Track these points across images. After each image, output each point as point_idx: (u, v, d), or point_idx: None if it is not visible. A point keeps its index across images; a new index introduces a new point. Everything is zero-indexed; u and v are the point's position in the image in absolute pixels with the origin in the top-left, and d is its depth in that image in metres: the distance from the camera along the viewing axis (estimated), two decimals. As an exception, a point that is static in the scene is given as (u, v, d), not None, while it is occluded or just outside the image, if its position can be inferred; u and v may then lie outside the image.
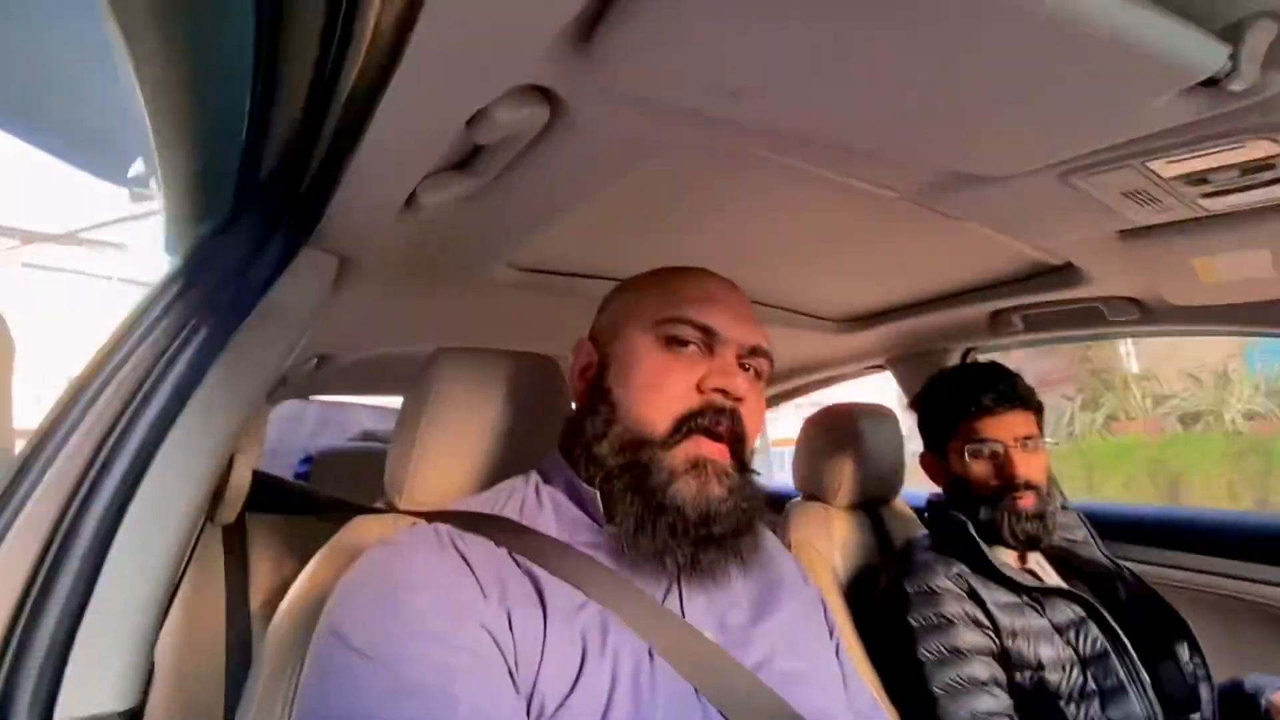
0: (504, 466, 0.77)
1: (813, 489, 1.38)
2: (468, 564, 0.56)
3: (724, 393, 0.62)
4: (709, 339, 0.65)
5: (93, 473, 0.55)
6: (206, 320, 0.64)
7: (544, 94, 0.52)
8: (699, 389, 0.62)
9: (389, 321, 1.29)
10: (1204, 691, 1.00)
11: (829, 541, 1.30)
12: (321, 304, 0.77)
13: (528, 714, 0.50)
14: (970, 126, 0.54)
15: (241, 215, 0.66)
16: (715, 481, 0.61)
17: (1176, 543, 1.44)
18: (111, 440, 0.57)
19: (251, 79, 0.44)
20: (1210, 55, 0.45)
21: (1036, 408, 1.11)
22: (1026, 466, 1.06)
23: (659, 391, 0.62)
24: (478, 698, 0.47)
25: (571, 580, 0.57)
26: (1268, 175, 0.65)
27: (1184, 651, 1.03)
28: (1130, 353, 6.55)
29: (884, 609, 1.10)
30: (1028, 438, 1.08)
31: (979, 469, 1.09)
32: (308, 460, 1.98)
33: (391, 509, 0.75)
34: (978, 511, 1.07)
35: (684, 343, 0.64)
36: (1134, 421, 6.01)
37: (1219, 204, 0.73)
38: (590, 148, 0.62)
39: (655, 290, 0.69)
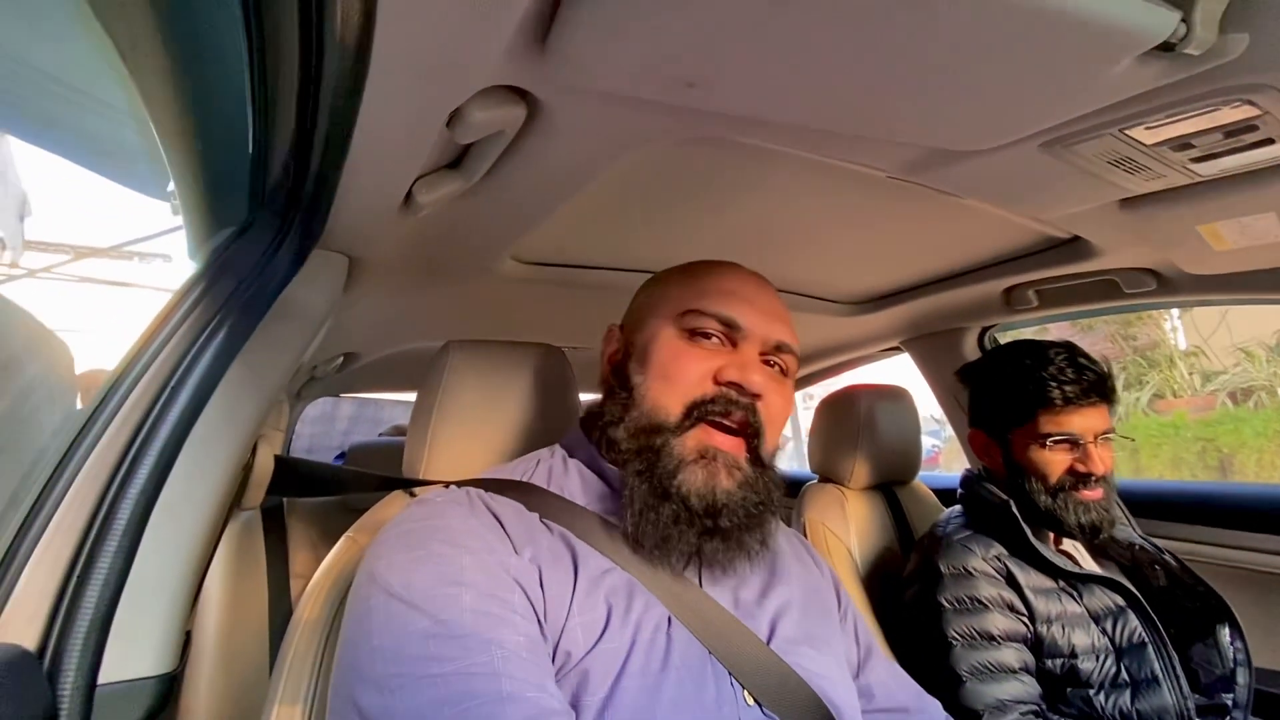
0: (513, 454, 0.80)
1: (827, 471, 1.38)
2: (499, 522, 0.59)
3: (739, 387, 0.62)
4: (732, 332, 0.65)
5: (128, 459, 0.60)
6: (228, 319, 0.69)
7: (518, 94, 0.55)
8: (715, 379, 0.62)
9: (405, 318, 1.34)
10: (1241, 676, 0.97)
11: (844, 523, 1.30)
12: (334, 302, 0.81)
13: (553, 663, 0.53)
14: (934, 103, 0.55)
15: (255, 221, 0.71)
16: (725, 474, 0.60)
17: (1210, 519, 1.39)
18: (145, 429, 0.62)
19: (250, 93, 0.49)
20: (1160, 20, 0.45)
21: (1115, 400, 1.05)
22: (1101, 462, 1.01)
23: (674, 379, 0.63)
24: (511, 644, 0.50)
25: (598, 546, 0.60)
26: (1253, 137, 0.64)
27: (1225, 635, 1.00)
28: (1176, 328, 6.31)
29: (910, 587, 1.08)
30: (1106, 433, 1.03)
31: (1052, 461, 1.02)
32: (341, 456, 2.07)
33: (418, 483, 0.80)
34: (1034, 497, 1.02)
35: (706, 334, 0.65)
36: (1180, 399, 5.78)
37: (1210, 168, 0.72)
38: (571, 143, 0.64)
39: (683, 282, 0.70)
